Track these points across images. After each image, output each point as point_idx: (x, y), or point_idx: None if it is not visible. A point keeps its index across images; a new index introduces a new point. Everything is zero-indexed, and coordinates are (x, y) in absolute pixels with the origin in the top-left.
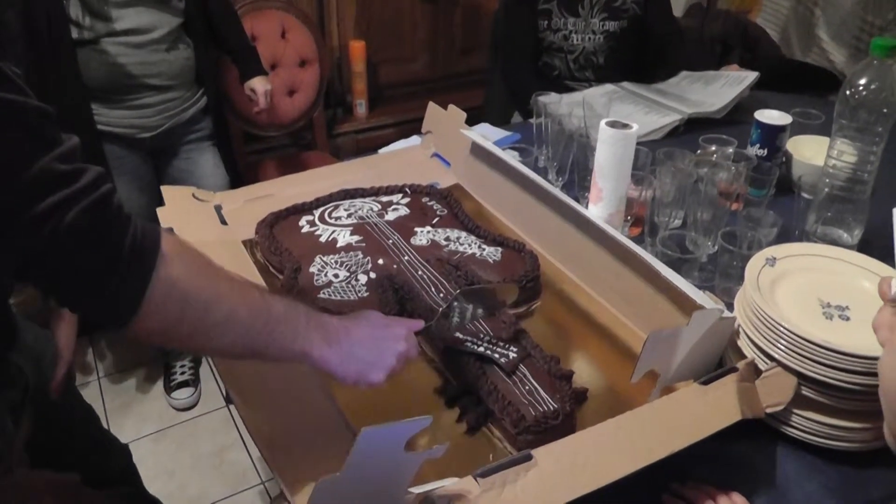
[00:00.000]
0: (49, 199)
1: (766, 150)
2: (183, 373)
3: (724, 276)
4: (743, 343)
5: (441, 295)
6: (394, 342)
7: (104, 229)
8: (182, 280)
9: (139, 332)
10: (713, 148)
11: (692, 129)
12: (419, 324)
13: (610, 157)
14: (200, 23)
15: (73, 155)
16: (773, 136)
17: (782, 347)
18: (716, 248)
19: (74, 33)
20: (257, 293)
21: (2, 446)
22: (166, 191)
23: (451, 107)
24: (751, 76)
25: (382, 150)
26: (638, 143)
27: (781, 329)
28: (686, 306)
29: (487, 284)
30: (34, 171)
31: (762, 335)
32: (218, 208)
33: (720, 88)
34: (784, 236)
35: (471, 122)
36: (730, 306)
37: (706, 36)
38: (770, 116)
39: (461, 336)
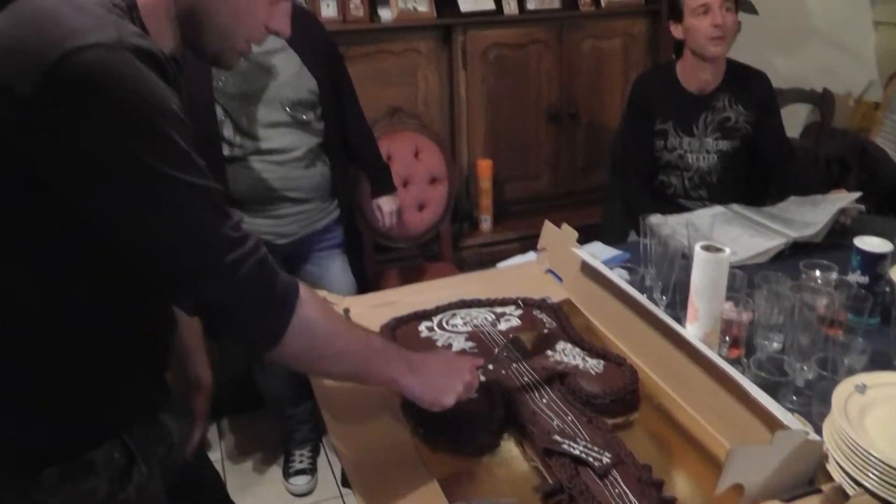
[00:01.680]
0: (228, 257)
1: (867, 278)
2: (302, 461)
3: (820, 401)
4: (832, 467)
5: (545, 401)
6: (461, 374)
7: (264, 279)
8: (313, 319)
9: (276, 356)
10: (816, 273)
11: (796, 254)
12: (480, 360)
13: (704, 279)
14: (338, 143)
15: (239, 224)
16: (873, 263)
17: (873, 476)
18: (813, 373)
19: (226, 150)
20: (363, 332)
21: (143, 488)
22: None
23: (565, 226)
24: (850, 196)
25: (501, 265)
26: (741, 266)
27: (871, 457)
28: (773, 424)
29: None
30: (218, 236)
31: (850, 461)
32: (346, 311)
33: (822, 209)
34: (881, 364)
35: (588, 238)
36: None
37: (822, 156)
38: (871, 243)
39: (559, 439)
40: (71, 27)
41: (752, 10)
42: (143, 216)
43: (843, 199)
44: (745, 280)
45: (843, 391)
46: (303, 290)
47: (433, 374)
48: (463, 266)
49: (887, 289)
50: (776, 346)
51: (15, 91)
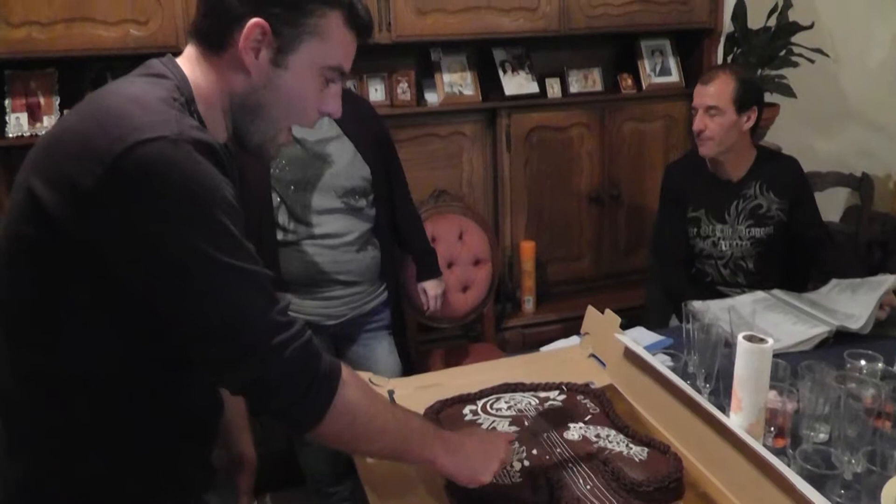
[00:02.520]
0: (275, 340)
1: None
2: None
3: (870, 496)
4: None
5: (588, 487)
6: (496, 453)
7: (308, 361)
8: (354, 400)
9: (317, 435)
10: (862, 363)
11: (840, 343)
12: (512, 436)
13: (747, 369)
14: (388, 226)
15: (286, 309)
16: None
17: None
18: (861, 466)
19: (280, 235)
20: (401, 412)
21: None
22: None
23: (608, 312)
24: (889, 279)
25: (544, 349)
26: (784, 354)
27: None
28: None
29: None
30: (265, 319)
31: None
32: (391, 393)
33: (864, 294)
34: None
35: (631, 320)
36: None
37: (862, 240)
38: None
39: None
40: (135, 123)
41: (790, 93)
42: (196, 299)
43: (882, 283)
44: (788, 370)
45: (891, 489)
46: (345, 372)
47: (469, 452)
48: (505, 347)
49: None
50: (822, 436)
51: (79, 186)
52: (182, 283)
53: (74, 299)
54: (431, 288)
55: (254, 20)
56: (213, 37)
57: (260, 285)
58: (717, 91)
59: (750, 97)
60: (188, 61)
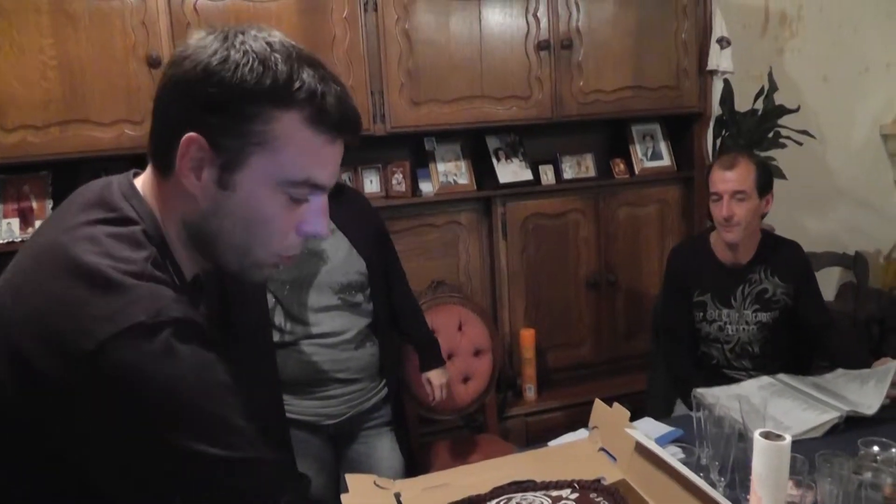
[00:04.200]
0: None
1: None
2: None
3: None
4: None
5: None
6: None
7: None
8: None
9: None
10: (875, 449)
11: (850, 429)
12: None
13: (766, 467)
14: (387, 321)
15: (304, 494)
16: None
17: None
18: None
19: (276, 337)
20: None
21: None
22: (350, 479)
23: (616, 405)
24: (893, 366)
25: (552, 443)
26: (797, 440)
27: None
28: None
29: None
30: None
31: None
32: (397, 496)
33: (874, 387)
34: None
35: (635, 408)
36: None
37: (860, 318)
38: None
39: None
40: (106, 312)
41: (780, 174)
42: (186, 498)
43: (888, 373)
44: (805, 464)
45: None
46: None
47: None
48: (508, 436)
49: None
50: None
51: (49, 376)
52: (167, 484)
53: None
54: (436, 378)
55: (188, 135)
56: (159, 156)
57: (263, 474)
58: (741, 176)
59: (767, 180)
60: (148, 186)
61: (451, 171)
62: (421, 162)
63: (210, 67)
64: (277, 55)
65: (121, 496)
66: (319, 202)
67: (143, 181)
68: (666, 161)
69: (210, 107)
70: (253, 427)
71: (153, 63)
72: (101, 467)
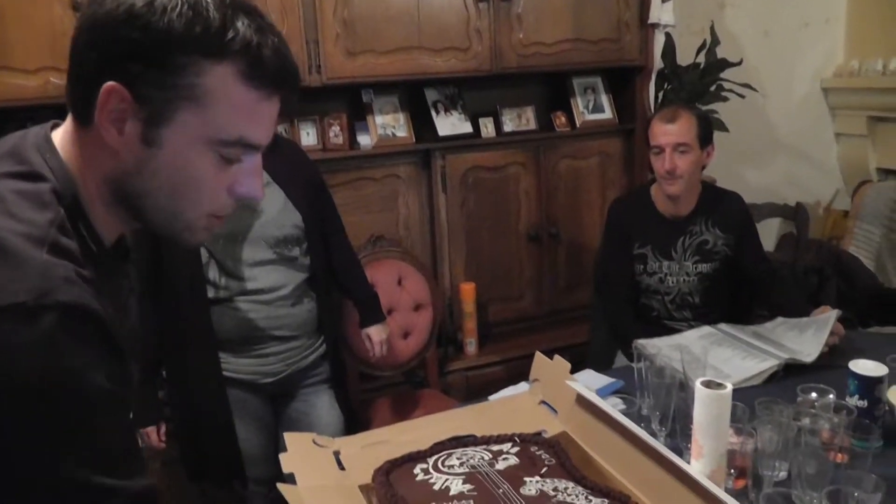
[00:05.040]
0: None
1: (865, 402)
2: None
3: None
4: None
5: None
6: None
7: None
8: None
9: None
10: (813, 396)
11: (789, 376)
12: None
13: (708, 416)
14: (325, 277)
15: None
16: (870, 387)
17: None
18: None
19: (211, 293)
20: None
21: None
22: (288, 437)
23: (557, 358)
24: (832, 315)
25: (492, 397)
26: (737, 389)
27: None
28: None
29: None
30: None
31: None
32: (336, 454)
33: (812, 335)
34: (893, 495)
35: (577, 358)
36: None
37: (800, 267)
38: (865, 367)
39: None
40: None
41: (722, 127)
42: None
43: (827, 322)
44: (746, 412)
45: None
46: None
47: None
48: (449, 391)
49: (887, 409)
50: (782, 474)
51: None
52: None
53: None
54: (376, 333)
55: (109, 84)
56: (78, 106)
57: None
58: (683, 128)
59: (708, 133)
60: (67, 139)
61: (389, 124)
62: (358, 114)
63: (134, 10)
64: (210, 0)
65: None
66: (253, 162)
67: (61, 133)
68: (607, 114)
69: (133, 54)
70: (126, 451)
71: (78, 7)
72: None
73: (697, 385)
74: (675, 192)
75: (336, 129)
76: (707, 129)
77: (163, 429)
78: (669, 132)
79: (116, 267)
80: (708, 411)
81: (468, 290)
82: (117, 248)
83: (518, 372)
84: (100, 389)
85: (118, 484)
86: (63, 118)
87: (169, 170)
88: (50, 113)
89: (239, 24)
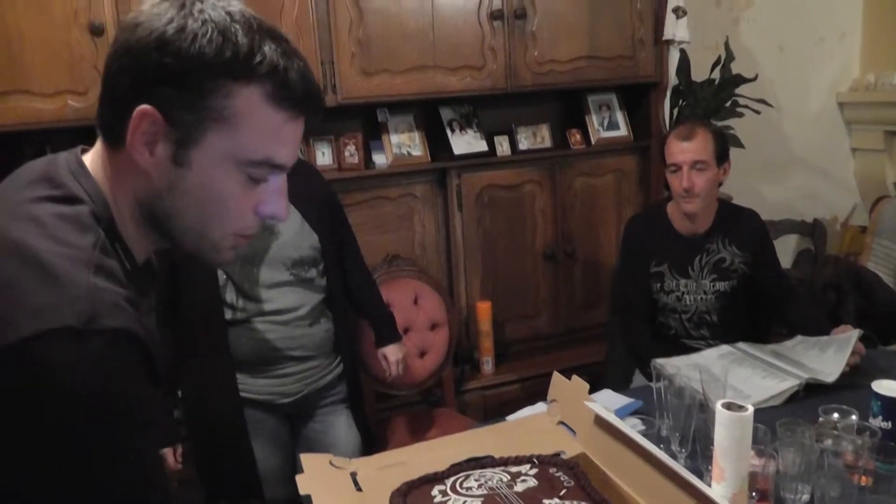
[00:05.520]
0: None
1: (889, 424)
2: None
3: None
4: None
5: None
6: None
7: None
8: None
9: None
10: (835, 417)
11: (810, 396)
12: None
13: (728, 438)
14: (341, 297)
15: None
16: (894, 408)
17: None
18: None
19: (228, 314)
20: None
21: None
22: (305, 459)
23: (575, 378)
24: (854, 335)
25: (510, 418)
26: (757, 411)
27: None
28: None
29: None
30: None
31: None
32: (353, 475)
33: (833, 355)
34: None
35: (594, 377)
36: None
37: (818, 284)
38: (889, 388)
39: None
40: (36, 304)
41: (738, 144)
42: None
43: (849, 342)
44: (768, 433)
45: None
46: None
47: None
48: (466, 410)
49: None
50: (805, 497)
51: None
52: None
53: None
54: (392, 353)
55: (141, 107)
56: (110, 129)
57: None
58: (700, 146)
59: (724, 149)
60: (97, 162)
61: (404, 143)
62: (374, 133)
63: (166, 36)
64: (238, 26)
65: None
66: (278, 182)
67: (91, 156)
68: (622, 131)
69: (165, 79)
70: (162, 474)
71: (96, 31)
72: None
73: (718, 407)
74: (693, 210)
75: (351, 148)
76: (723, 145)
77: (179, 449)
78: (686, 150)
79: (147, 286)
80: (729, 433)
81: (484, 308)
82: (145, 268)
83: (535, 391)
84: (143, 413)
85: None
86: (80, 141)
87: (198, 189)
88: (67, 135)
89: (266, 48)
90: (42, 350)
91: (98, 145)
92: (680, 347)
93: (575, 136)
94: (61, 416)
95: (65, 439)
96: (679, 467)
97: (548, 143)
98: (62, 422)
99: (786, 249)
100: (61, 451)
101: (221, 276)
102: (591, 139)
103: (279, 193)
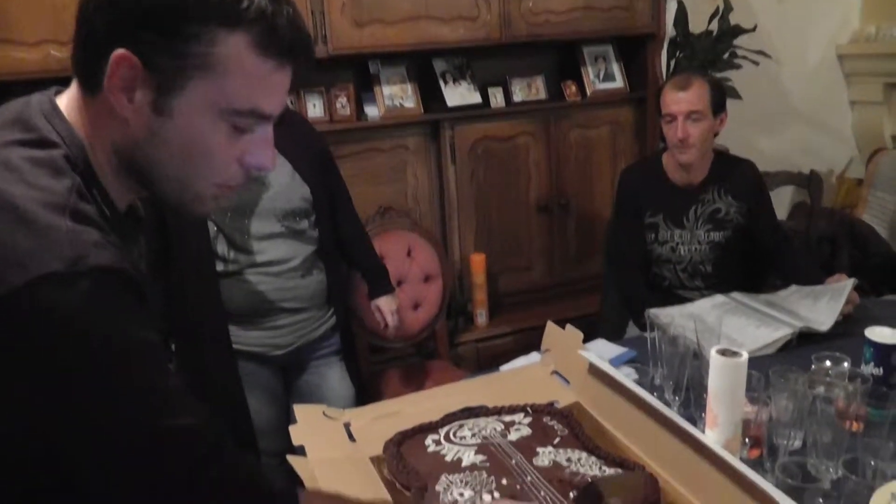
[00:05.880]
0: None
1: (881, 370)
2: None
3: None
4: None
5: None
6: None
7: None
8: None
9: None
10: (827, 364)
11: (803, 344)
12: None
13: (722, 384)
14: (333, 249)
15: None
16: (886, 355)
17: None
18: (839, 474)
19: (220, 266)
20: None
21: None
22: (298, 409)
23: (569, 327)
24: (848, 284)
25: (504, 368)
26: (750, 359)
27: None
28: None
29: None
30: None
31: None
32: (347, 426)
33: (827, 304)
34: None
35: (588, 328)
36: None
37: (813, 236)
38: (882, 335)
39: None
40: (18, 254)
41: (735, 95)
42: (99, 471)
43: (843, 291)
44: (761, 380)
45: (879, 501)
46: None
47: None
48: (460, 363)
49: None
50: (797, 443)
51: None
52: (103, 463)
53: None
54: (386, 304)
55: (119, 52)
56: (85, 73)
57: (180, 444)
58: (696, 96)
59: (721, 100)
60: (73, 106)
61: (397, 95)
62: (365, 85)
63: None
64: None
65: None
66: (265, 132)
67: (67, 100)
68: (618, 83)
69: (144, 21)
70: (181, 391)
71: None
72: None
73: (713, 353)
74: (688, 161)
75: (343, 100)
76: (720, 96)
77: None
78: (682, 100)
79: (130, 233)
80: (723, 380)
81: (478, 261)
82: (128, 215)
83: (529, 343)
84: (145, 341)
85: (187, 423)
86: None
87: (180, 139)
88: (51, 86)
89: None
90: (33, 299)
91: (74, 88)
92: (674, 298)
93: (570, 88)
94: (64, 362)
95: (73, 383)
96: (673, 414)
97: (543, 95)
98: (67, 367)
99: (781, 201)
100: (72, 395)
101: (212, 227)
102: (587, 91)
103: (265, 143)
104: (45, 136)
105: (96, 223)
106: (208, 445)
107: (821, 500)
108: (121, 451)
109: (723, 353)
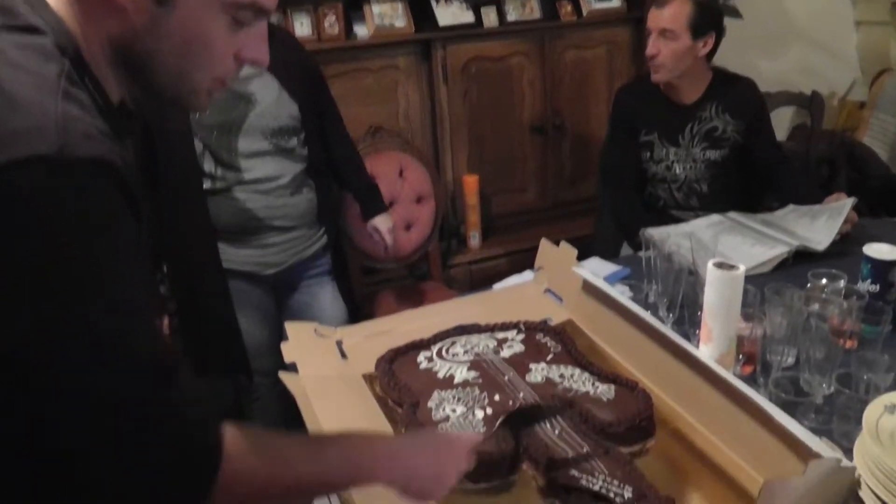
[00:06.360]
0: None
1: (878, 287)
2: None
3: (842, 418)
4: (865, 493)
5: (557, 432)
6: (455, 463)
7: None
8: (243, 471)
9: None
10: (823, 282)
11: (800, 263)
12: (478, 437)
13: (718, 298)
14: (323, 167)
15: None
16: (884, 271)
17: None
18: (832, 389)
19: (207, 184)
20: (314, 451)
21: None
22: (290, 327)
23: (563, 244)
24: (848, 203)
25: (496, 286)
26: (746, 277)
27: None
28: (802, 451)
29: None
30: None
31: (885, 488)
32: (339, 343)
33: (825, 223)
34: None
35: (582, 251)
36: (849, 451)
37: (812, 158)
38: (879, 251)
39: (577, 474)
40: (2, 132)
41: (736, 14)
42: (48, 372)
43: (841, 210)
44: (757, 296)
45: (873, 413)
46: (229, 441)
47: (421, 467)
48: (452, 284)
49: None
50: (790, 360)
51: None
52: (56, 373)
53: None
54: (382, 223)
55: None
56: None
57: (134, 358)
58: (671, 14)
59: (707, 22)
60: None
61: (386, 13)
62: (354, 3)
63: None
64: None
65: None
66: (261, 27)
67: None
68: (615, 2)
69: None
70: (149, 315)
71: None
72: None
73: (710, 266)
74: (658, 80)
75: (331, 18)
76: (705, 17)
77: (165, 322)
78: (657, 17)
79: (124, 128)
80: (719, 293)
81: (471, 182)
82: (122, 108)
83: (522, 265)
84: (126, 241)
85: (149, 348)
86: None
87: (181, 30)
88: None
89: None
90: (15, 180)
91: None
92: (669, 218)
93: (565, 8)
94: (37, 249)
95: (45, 272)
96: (667, 330)
97: (537, 15)
98: (39, 254)
99: (781, 123)
100: (41, 286)
101: (198, 145)
102: (583, 10)
103: (261, 38)
104: (30, 23)
105: (88, 109)
106: (159, 380)
107: (813, 415)
108: (77, 360)
109: (719, 265)
